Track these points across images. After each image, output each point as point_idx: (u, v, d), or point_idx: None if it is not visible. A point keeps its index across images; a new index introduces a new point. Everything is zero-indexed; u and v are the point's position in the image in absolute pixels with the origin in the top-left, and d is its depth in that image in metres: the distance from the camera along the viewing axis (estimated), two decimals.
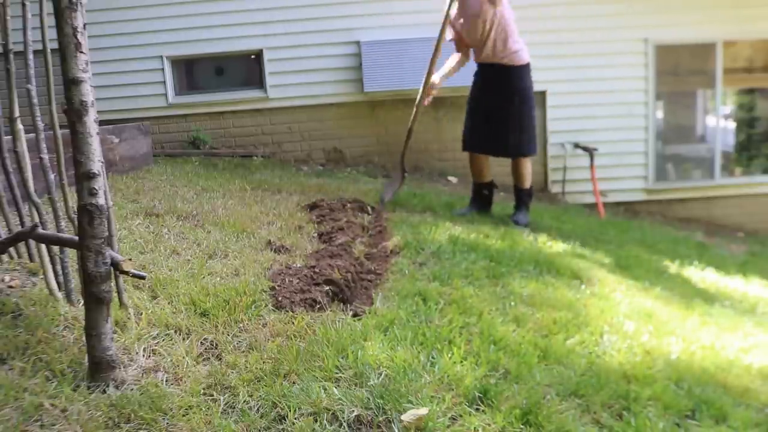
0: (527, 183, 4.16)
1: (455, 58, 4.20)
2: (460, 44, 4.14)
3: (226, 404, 1.48)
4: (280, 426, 1.40)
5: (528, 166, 4.13)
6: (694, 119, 7.47)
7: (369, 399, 1.48)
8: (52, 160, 1.83)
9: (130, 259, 1.56)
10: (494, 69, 4.00)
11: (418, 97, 4.20)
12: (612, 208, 6.57)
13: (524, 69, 3.98)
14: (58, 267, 1.86)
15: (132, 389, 1.48)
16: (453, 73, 4.23)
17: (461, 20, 3.99)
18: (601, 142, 6.45)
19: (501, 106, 3.99)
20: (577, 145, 6.50)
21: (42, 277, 1.86)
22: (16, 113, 1.82)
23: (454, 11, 3.95)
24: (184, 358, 1.66)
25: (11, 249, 2.00)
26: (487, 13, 3.85)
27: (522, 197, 4.20)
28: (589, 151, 6.37)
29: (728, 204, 6.83)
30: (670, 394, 1.82)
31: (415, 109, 4.28)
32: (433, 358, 1.73)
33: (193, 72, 6.68)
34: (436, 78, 4.11)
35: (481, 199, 4.32)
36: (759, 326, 2.78)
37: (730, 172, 7.22)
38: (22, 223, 1.95)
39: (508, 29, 3.90)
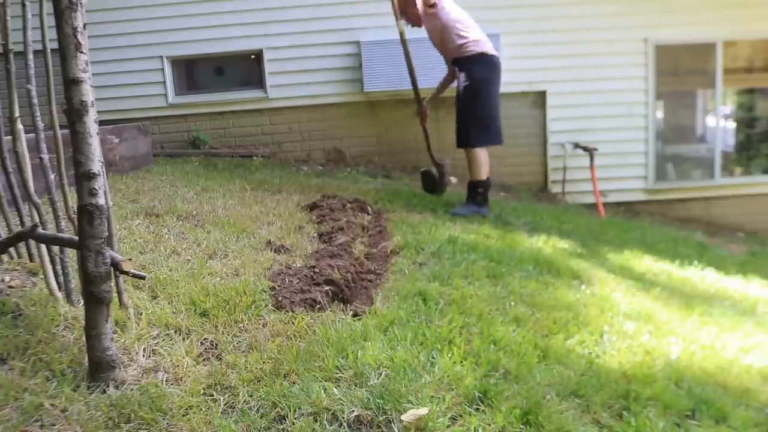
0: (475, 174, 4.08)
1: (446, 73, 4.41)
2: (443, 56, 4.31)
3: (226, 404, 1.48)
4: (280, 426, 1.40)
5: (477, 157, 4.05)
6: (694, 119, 7.47)
7: (369, 399, 1.48)
8: (52, 160, 1.83)
9: (130, 259, 1.56)
10: (457, 64, 4.10)
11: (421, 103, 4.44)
12: (612, 208, 6.57)
13: (473, 60, 3.99)
14: (58, 267, 1.86)
15: (132, 389, 1.48)
16: (443, 86, 4.45)
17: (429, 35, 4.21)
18: (601, 142, 6.44)
19: (457, 97, 4.09)
20: (577, 145, 6.49)
21: (42, 277, 1.86)
22: (16, 113, 1.82)
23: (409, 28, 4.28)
24: (184, 358, 1.66)
25: (11, 249, 2.00)
26: (429, 19, 4.04)
27: (468, 189, 4.17)
28: (589, 151, 6.36)
29: (728, 204, 6.83)
30: (670, 394, 1.82)
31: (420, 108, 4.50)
32: (433, 358, 1.73)
33: (193, 72, 6.68)
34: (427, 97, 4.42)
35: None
36: (759, 326, 2.78)
37: (730, 172, 7.22)
38: (22, 223, 1.95)
39: (451, 28, 4.00)
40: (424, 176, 4.74)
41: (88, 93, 1.44)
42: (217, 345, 1.77)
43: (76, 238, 1.55)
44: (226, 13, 6.24)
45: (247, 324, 1.89)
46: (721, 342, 2.43)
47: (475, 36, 4.01)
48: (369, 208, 3.79)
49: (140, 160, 4.62)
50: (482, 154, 4.06)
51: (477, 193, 4.11)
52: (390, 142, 6.46)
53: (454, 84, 4.25)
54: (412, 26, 4.29)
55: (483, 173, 4.07)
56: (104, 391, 1.46)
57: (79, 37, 1.40)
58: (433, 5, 3.95)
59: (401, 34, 4.19)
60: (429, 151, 4.64)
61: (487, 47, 4.03)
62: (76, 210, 1.51)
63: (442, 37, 4.07)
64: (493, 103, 4.06)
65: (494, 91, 4.06)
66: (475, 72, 3.98)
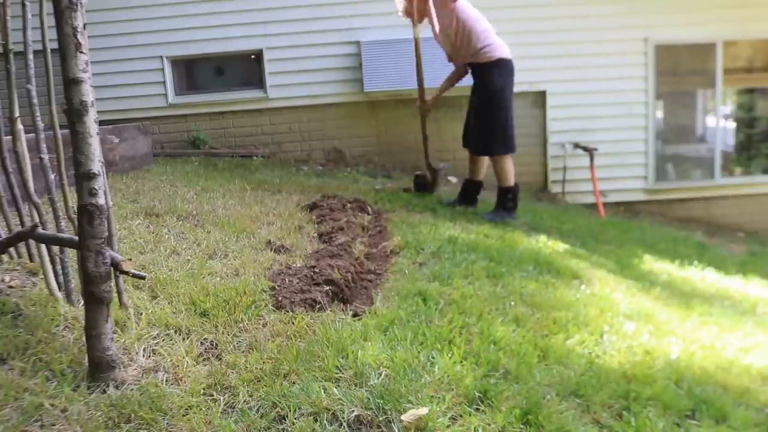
0: (504, 181, 4.13)
1: (452, 71, 4.38)
2: (450, 56, 4.27)
3: (226, 404, 1.48)
4: (280, 426, 1.40)
5: (504, 165, 4.09)
6: (694, 119, 7.47)
7: (369, 399, 1.48)
8: (52, 160, 1.83)
9: (130, 259, 1.56)
10: (472, 68, 4.10)
11: (418, 103, 4.49)
12: (612, 208, 6.57)
13: (492, 66, 3.96)
14: (58, 267, 1.86)
15: (132, 389, 1.48)
16: (450, 84, 4.40)
17: (439, 34, 4.15)
18: (601, 142, 6.45)
19: (475, 104, 4.10)
20: (577, 145, 6.50)
21: (42, 277, 1.86)
22: (16, 113, 1.82)
23: (422, 33, 4.24)
24: (184, 358, 1.66)
25: (11, 249, 2.00)
26: (446, 17, 3.97)
27: (498, 195, 4.20)
28: (589, 151, 6.37)
29: (728, 204, 6.83)
30: (670, 394, 1.82)
31: (420, 117, 4.54)
32: (433, 358, 1.73)
33: (193, 72, 6.68)
34: (431, 95, 4.39)
35: (466, 195, 4.44)
36: (759, 326, 2.78)
37: (730, 172, 7.22)
38: (22, 223, 1.95)
39: (470, 30, 3.95)
40: (417, 180, 4.76)
41: (88, 93, 1.44)
42: (217, 345, 1.77)
43: (76, 238, 1.55)
44: (226, 13, 6.24)
45: (247, 324, 1.89)
46: (721, 342, 2.43)
47: (492, 39, 3.97)
48: (369, 208, 3.79)
49: (140, 160, 4.62)
50: (509, 161, 4.11)
51: (507, 199, 4.16)
52: (390, 142, 6.46)
53: (461, 83, 4.27)
54: (412, 23, 4.23)
55: (511, 179, 4.13)
56: (104, 391, 1.46)
57: (79, 37, 1.40)
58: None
59: (416, 40, 4.19)
60: (426, 156, 4.67)
61: (505, 51, 3.99)
62: (76, 210, 1.50)
63: (458, 37, 3.99)
64: (511, 111, 4.07)
65: (511, 98, 4.07)
66: (495, 80, 3.97)
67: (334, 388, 1.52)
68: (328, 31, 6.26)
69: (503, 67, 3.97)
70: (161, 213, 3.00)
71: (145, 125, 4.84)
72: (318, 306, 2.07)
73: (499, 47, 3.98)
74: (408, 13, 4.20)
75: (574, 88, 6.45)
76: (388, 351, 1.72)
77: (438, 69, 4.61)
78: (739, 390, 2.01)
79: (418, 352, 1.74)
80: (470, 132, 4.19)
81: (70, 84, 1.41)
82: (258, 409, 1.46)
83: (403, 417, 1.42)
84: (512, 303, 2.32)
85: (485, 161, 4.34)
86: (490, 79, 3.97)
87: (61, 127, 1.70)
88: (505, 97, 4.00)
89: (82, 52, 1.41)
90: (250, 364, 1.64)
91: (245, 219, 3.13)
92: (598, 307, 2.47)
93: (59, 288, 1.84)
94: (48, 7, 1.55)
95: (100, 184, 1.48)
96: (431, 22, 4.11)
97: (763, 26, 6.55)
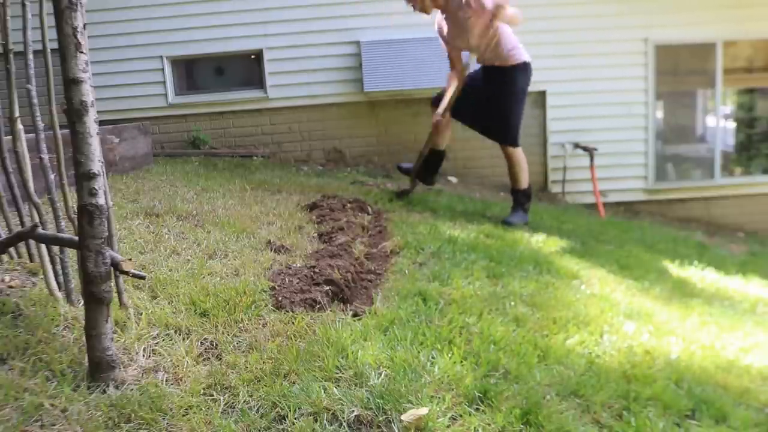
0: (520, 182, 4.12)
1: (450, 79, 4.21)
2: (455, 59, 4.17)
3: (226, 404, 1.48)
4: (280, 426, 1.40)
5: (519, 159, 4.08)
6: (694, 119, 7.47)
7: (369, 399, 1.48)
8: (52, 160, 1.83)
9: (130, 259, 1.56)
10: (492, 69, 4.05)
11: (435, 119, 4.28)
12: (612, 208, 6.57)
13: (517, 69, 3.96)
14: (58, 267, 1.86)
15: (132, 389, 1.48)
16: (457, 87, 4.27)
17: (454, 33, 4.01)
18: (601, 142, 6.45)
19: (492, 97, 4.02)
20: (577, 145, 6.50)
21: (42, 277, 1.86)
22: (16, 113, 1.82)
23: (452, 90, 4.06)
24: (184, 358, 1.66)
25: (11, 249, 2.00)
26: (477, 21, 3.84)
27: (516, 198, 4.19)
28: (589, 151, 6.37)
29: (728, 204, 6.83)
30: (670, 394, 1.82)
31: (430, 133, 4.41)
32: (433, 358, 1.73)
33: (193, 72, 6.68)
34: (440, 111, 4.17)
35: (427, 166, 4.41)
36: (759, 326, 2.78)
37: (730, 172, 7.22)
38: (22, 223, 1.95)
39: (501, 33, 3.88)
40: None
41: (88, 93, 1.44)
42: (217, 345, 1.77)
43: (76, 238, 1.55)
44: (225, 13, 6.24)
45: (247, 324, 1.89)
46: (721, 342, 2.43)
47: (516, 42, 3.95)
48: (369, 208, 3.79)
49: (140, 160, 4.62)
50: (524, 158, 4.10)
51: (526, 198, 4.15)
52: (390, 142, 6.45)
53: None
54: (418, 10, 3.98)
55: (526, 180, 4.12)
56: (104, 391, 1.46)
57: (79, 37, 1.40)
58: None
59: (463, 69, 4.04)
60: (425, 149, 4.56)
61: (526, 54, 3.98)
62: (76, 210, 1.51)
63: (489, 38, 3.87)
64: (523, 111, 4.10)
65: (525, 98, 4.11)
66: (519, 82, 3.98)
67: (334, 388, 1.52)
68: (328, 31, 6.26)
69: (526, 70, 3.98)
70: (161, 213, 3.00)
71: (145, 125, 4.84)
72: (318, 306, 2.07)
73: (523, 50, 3.98)
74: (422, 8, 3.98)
75: (574, 88, 6.45)
76: (388, 351, 1.72)
77: (437, 70, 4.56)
78: (739, 390, 2.01)
79: (418, 352, 1.74)
80: (482, 114, 4.09)
81: (70, 84, 1.41)
82: (258, 409, 1.46)
83: (403, 417, 1.42)
84: (512, 303, 2.32)
85: (449, 132, 4.30)
86: (513, 81, 3.97)
87: (61, 127, 1.70)
88: (522, 99, 4.03)
89: (82, 52, 1.41)
90: (250, 364, 1.64)
91: (245, 219, 3.13)
92: (598, 307, 2.47)
93: (59, 288, 1.84)
94: (48, 7, 1.55)
95: (100, 184, 1.48)
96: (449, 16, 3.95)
97: (763, 26, 6.55)
